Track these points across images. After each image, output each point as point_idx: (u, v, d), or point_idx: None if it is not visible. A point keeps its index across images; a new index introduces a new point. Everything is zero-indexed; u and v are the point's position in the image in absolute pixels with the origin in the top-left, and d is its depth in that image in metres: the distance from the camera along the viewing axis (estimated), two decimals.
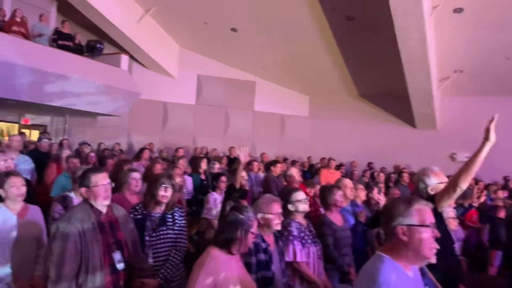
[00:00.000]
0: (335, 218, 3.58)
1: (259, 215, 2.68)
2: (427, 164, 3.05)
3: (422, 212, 1.68)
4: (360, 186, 4.70)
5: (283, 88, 13.00)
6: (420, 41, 7.27)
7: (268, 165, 6.48)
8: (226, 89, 12.59)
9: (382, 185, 5.39)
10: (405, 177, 7.28)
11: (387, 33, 7.59)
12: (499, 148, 2.81)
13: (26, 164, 5.32)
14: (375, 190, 4.15)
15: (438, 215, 2.59)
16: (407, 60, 7.96)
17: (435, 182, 2.92)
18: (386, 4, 6.52)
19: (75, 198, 3.42)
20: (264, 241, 2.65)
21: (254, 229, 2.22)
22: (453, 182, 2.66)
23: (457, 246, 3.09)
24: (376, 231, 4.14)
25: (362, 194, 4.59)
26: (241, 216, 2.19)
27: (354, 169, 10.00)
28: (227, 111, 12.72)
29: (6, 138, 7.88)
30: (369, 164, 11.00)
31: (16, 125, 11.29)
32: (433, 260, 1.67)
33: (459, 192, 2.65)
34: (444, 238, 2.24)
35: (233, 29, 10.05)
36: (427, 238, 1.64)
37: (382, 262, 1.64)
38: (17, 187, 2.90)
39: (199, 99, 12.54)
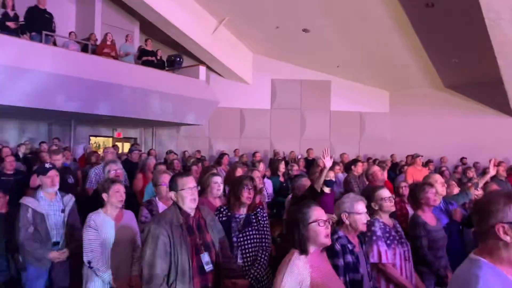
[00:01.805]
0: (428, 218, 3.33)
1: (344, 215, 2.58)
2: None
3: None
4: (452, 182, 4.34)
5: (360, 84, 12.59)
6: None
7: (349, 165, 6.29)
8: (301, 91, 12.55)
9: (476, 180, 4.92)
10: (501, 170, 6.58)
11: (472, 16, 6.96)
12: None
13: None
14: (472, 186, 3.81)
15: None
16: (499, 43, 7.20)
17: None
18: None
19: (160, 202, 3.62)
20: (350, 242, 2.54)
21: (318, 217, 2.08)
22: None
23: None
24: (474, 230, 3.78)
25: (455, 191, 4.23)
26: (298, 214, 2.09)
27: (443, 165, 9.29)
28: (303, 113, 12.64)
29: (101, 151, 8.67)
30: (462, 159, 10.16)
31: (110, 139, 12.38)
32: None
33: None
34: None
35: (305, 30, 9.98)
36: None
37: (479, 267, 1.41)
38: (120, 194, 3.14)
39: (274, 103, 12.64)
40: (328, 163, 3.79)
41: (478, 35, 7.48)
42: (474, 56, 9.10)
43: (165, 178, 3.52)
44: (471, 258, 1.49)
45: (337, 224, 2.60)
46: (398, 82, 12.02)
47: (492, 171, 4.66)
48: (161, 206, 3.52)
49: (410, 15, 8.45)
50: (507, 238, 1.40)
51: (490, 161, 4.72)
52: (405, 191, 4.42)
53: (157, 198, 3.69)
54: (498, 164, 7.17)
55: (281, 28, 10.29)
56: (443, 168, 8.54)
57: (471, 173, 7.16)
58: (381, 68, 11.29)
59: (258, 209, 3.09)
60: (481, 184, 4.53)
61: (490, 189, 4.44)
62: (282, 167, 6.38)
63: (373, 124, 12.69)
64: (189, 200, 2.46)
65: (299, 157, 10.15)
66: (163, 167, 5.21)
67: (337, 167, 6.94)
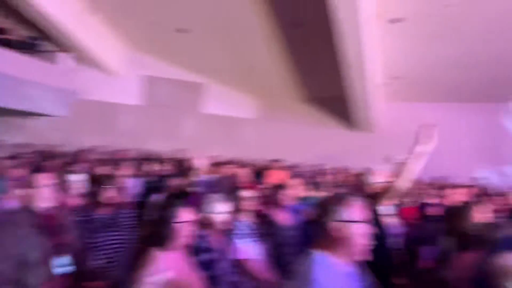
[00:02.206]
0: (281, 217, 3.68)
1: (203, 215, 2.71)
2: (365, 165, 3.25)
3: (354, 208, 1.72)
4: (307, 185, 4.87)
5: (232, 90, 13.07)
6: (357, 48, 7.52)
7: (216, 167, 6.50)
8: (174, 90, 12.47)
9: (328, 184, 5.65)
10: (330, 177, 7.74)
11: (330, 39, 7.89)
12: (439, 150, 3.01)
13: None
14: (317, 189, 4.33)
15: (375, 212, 2.79)
16: (345, 65, 8.25)
17: (375, 180, 3.11)
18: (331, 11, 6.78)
19: (8, 200, 3.23)
20: (211, 240, 2.67)
21: (183, 219, 2.16)
22: (392, 181, 2.85)
23: (395, 240, 3.30)
24: None
25: (310, 193, 4.75)
26: (164, 212, 2.17)
27: (301, 170, 10.26)
28: (175, 113, 12.56)
29: None
30: (317, 165, 11.35)
31: None
32: (367, 255, 1.71)
33: (398, 190, 2.85)
34: (379, 234, 2.40)
35: (181, 30, 9.95)
36: (360, 234, 1.68)
37: (314, 260, 1.68)
38: None
39: (146, 101, 12.30)
40: (199, 163, 3.91)
41: (334, 56, 8.48)
42: (330, 73, 10.25)
43: (14, 173, 3.17)
44: (310, 252, 1.75)
45: (201, 223, 2.71)
46: (265, 91, 12.82)
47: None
48: (10, 205, 3.14)
49: (280, 30, 9.14)
50: (337, 234, 1.69)
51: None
52: (266, 192, 4.79)
53: (5, 196, 3.29)
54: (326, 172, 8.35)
55: (157, 24, 10.05)
56: (301, 172, 9.46)
57: (324, 178, 8.11)
58: (250, 76, 11.88)
59: (122, 209, 3.02)
60: (328, 188, 5.18)
61: (333, 192, 5.12)
62: (151, 166, 6.28)
63: (241, 129, 13.27)
64: (44, 199, 2.30)
65: (170, 157, 10.03)
66: (12, 161, 4.65)
67: (205, 168, 7.09)
